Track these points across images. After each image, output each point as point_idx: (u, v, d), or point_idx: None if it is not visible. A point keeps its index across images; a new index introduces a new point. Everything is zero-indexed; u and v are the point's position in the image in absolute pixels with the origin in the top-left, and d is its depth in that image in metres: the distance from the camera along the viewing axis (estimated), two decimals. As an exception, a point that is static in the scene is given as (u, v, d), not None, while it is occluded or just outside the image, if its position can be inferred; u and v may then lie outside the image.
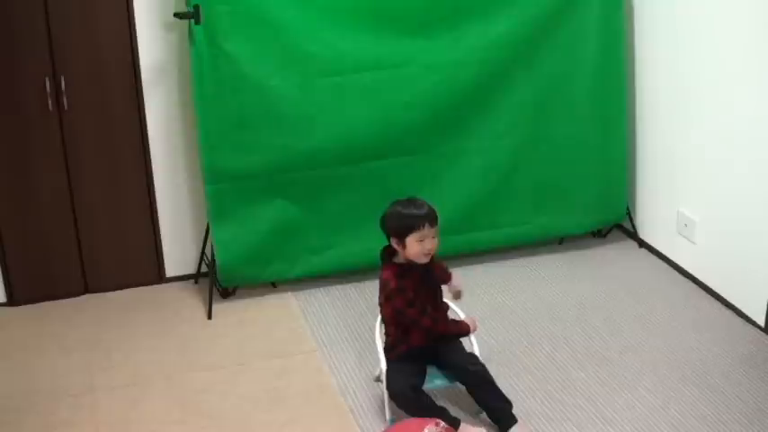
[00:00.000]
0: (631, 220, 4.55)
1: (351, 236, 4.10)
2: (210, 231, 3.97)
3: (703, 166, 3.99)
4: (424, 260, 3.12)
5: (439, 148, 4.11)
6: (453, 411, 3.26)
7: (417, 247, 3.07)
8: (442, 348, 3.19)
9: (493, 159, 4.20)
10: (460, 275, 3.40)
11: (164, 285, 4.25)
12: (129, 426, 3.26)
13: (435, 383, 3.22)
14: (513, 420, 3.14)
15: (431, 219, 3.08)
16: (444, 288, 3.30)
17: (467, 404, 3.30)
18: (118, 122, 3.96)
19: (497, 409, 3.16)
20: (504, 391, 3.17)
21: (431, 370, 3.22)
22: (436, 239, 3.11)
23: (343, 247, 4.11)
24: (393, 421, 3.19)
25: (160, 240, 4.20)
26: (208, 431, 3.23)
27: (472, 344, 3.26)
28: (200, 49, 3.66)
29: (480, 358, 3.21)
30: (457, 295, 3.33)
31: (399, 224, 3.09)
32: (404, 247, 3.09)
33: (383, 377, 3.18)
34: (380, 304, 3.21)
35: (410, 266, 3.13)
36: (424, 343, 3.16)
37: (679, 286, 4.13)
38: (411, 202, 3.15)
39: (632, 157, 4.46)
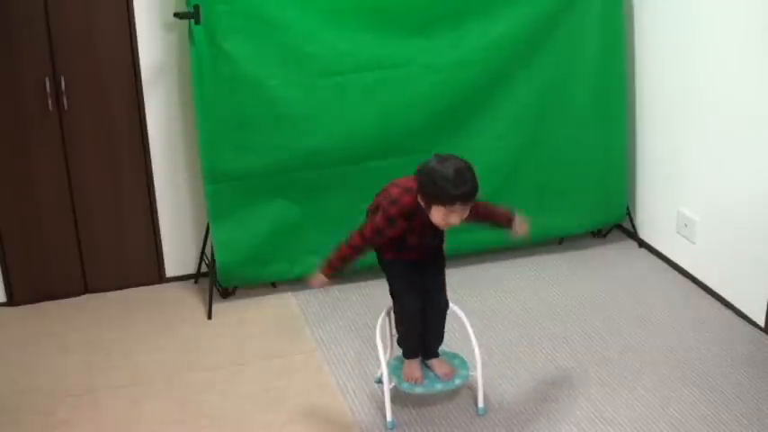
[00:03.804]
0: (631, 220, 4.55)
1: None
2: (210, 231, 3.97)
3: (703, 166, 3.99)
4: (444, 228, 2.97)
5: (439, 148, 4.06)
6: (453, 411, 3.27)
7: (440, 219, 2.88)
8: (430, 270, 3.18)
9: (493, 159, 4.20)
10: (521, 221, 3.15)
11: (164, 285, 4.25)
12: (129, 426, 3.26)
13: (436, 387, 3.22)
14: (434, 355, 3.31)
15: (465, 198, 2.84)
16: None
17: (466, 403, 3.31)
18: (118, 122, 3.96)
19: (430, 344, 3.29)
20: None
21: (429, 374, 3.27)
22: (465, 212, 2.89)
23: (343, 247, 4.11)
24: (393, 424, 3.19)
25: (160, 240, 4.20)
26: (208, 431, 3.23)
27: (473, 346, 3.26)
28: (200, 49, 3.66)
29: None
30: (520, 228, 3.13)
31: (431, 189, 2.85)
32: (429, 208, 2.89)
33: (384, 378, 3.18)
34: (371, 210, 3.10)
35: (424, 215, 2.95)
36: (415, 258, 3.13)
37: (679, 286, 4.13)
38: (453, 166, 2.84)
39: (632, 157, 4.46)
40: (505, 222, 3.15)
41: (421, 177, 2.89)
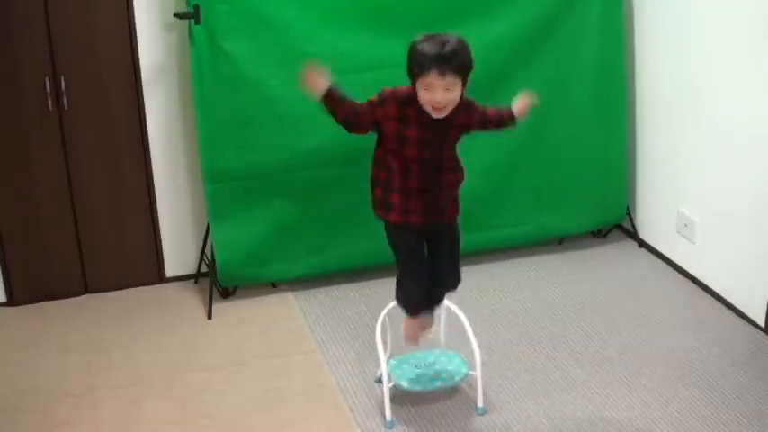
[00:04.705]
0: (631, 220, 4.55)
1: (351, 236, 4.10)
2: (210, 231, 3.97)
3: (703, 166, 3.99)
4: (435, 114, 2.68)
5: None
6: (452, 410, 3.27)
7: (424, 96, 2.64)
8: (435, 239, 2.98)
9: (493, 159, 4.20)
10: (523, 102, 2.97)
11: (164, 285, 4.25)
12: (129, 426, 3.26)
13: (435, 384, 3.23)
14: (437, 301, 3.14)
15: (442, 65, 2.56)
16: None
17: (465, 403, 3.31)
18: (118, 122, 3.96)
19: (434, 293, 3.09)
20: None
21: (428, 372, 3.26)
22: (453, 92, 2.66)
23: (342, 248, 4.11)
24: (393, 423, 3.19)
25: (160, 240, 4.20)
26: (207, 431, 3.23)
27: (473, 346, 3.26)
28: (200, 49, 3.66)
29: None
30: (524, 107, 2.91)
31: (410, 61, 2.65)
32: (415, 90, 2.68)
33: (384, 377, 3.18)
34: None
35: (418, 105, 2.71)
36: (421, 221, 2.92)
37: (679, 286, 4.13)
38: (437, 36, 2.62)
39: (632, 157, 4.46)
40: (510, 119, 2.94)
41: (408, 57, 2.70)
